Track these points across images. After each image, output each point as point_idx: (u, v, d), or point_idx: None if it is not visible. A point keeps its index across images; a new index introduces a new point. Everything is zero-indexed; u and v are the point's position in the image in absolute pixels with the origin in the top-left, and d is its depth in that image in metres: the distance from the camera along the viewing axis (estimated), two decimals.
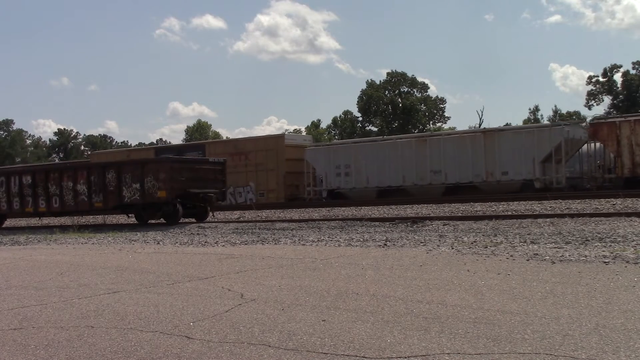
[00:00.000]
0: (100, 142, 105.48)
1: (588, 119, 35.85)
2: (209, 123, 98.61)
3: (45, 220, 22.55)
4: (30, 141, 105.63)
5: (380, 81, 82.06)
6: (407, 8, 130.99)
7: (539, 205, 17.42)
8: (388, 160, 25.99)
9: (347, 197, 26.89)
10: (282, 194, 28.90)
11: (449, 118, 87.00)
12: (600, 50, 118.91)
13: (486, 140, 24.11)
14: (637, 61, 71.37)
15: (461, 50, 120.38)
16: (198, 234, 13.98)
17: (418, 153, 25.36)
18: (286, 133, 35.90)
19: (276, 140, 30.38)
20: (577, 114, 76.18)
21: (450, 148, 24.78)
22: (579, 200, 18.03)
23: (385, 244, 9.47)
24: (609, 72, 72.97)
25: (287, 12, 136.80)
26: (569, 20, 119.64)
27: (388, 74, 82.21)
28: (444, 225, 12.83)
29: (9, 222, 23.20)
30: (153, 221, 18.59)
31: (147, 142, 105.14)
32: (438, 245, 8.94)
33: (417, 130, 72.77)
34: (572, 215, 13.18)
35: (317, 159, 28.11)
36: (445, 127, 75.79)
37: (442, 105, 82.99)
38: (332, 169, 27.39)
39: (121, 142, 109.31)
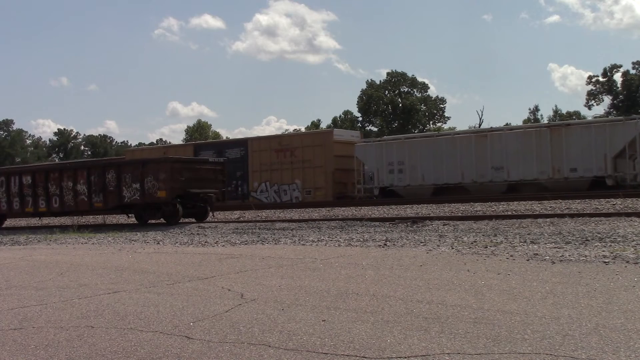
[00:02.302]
0: (100, 142, 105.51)
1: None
2: (209, 123, 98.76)
3: (45, 220, 22.56)
4: (30, 141, 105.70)
5: (380, 81, 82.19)
6: (407, 8, 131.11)
7: (539, 205, 17.42)
8: (445, 156, 24.81)
9: (401, 195, 25.70)
10: (330, 192, 27.82)
11: (449, 118, 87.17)
12: (599, 50, 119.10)
13: (552, 135, 22.99)
14: (637, 61, 71.40)
15: (460, 51, 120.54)
16: (198, 234, 13.98)
17: (478, 149, 24.22)
18: (334, 129, 34.31)
19: (324, 136, 29.55)
20: (577, 114, 76.23)
21: (513, 143, 23.60)
22: (579, 200, 18.03)
23: (385, 244, 9.46)
24: (609, 72, 72.97)
25: (286, 11, 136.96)
26: (567, 21, 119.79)
27: (388, 74, 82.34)
28: (444, 225, 12.83)
29: (9, 222, 23.20)
30: (153, 221, 18.59)
31: (147, 142, 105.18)
32: (438, 245, 8.94)
33: (417, 130, 72.75)
34: (572, 215, 13.18)
35: (367, 156, 26.95)
36: (445, 127, 75.85)
37: (442, 105, 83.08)
38: (385, 165, 26.25)
39: (121, 142, 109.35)
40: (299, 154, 28.61)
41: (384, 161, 26.33)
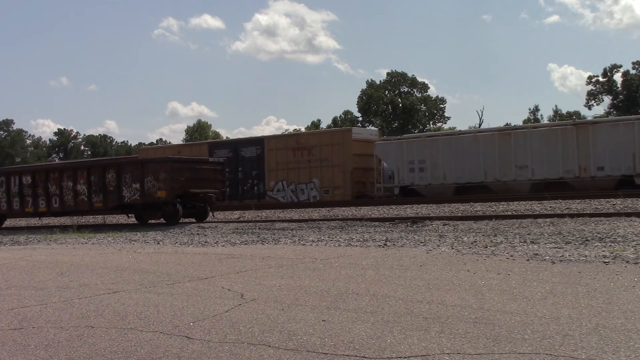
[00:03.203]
0: (100, 142, 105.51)
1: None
2: (208, 123, 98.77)
3: (45, 220, 22.55)
4: (30, 141, 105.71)
5: (380, 81, 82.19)
6: (406, 8, 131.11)
7: (539, 205, 17.42)
8: (468, 155, 24.40)
9: (422, 195, 25.22)
10: (349, 192, 27.26)
11: (449, 118, 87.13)
12: (598, 50, 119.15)
13: (579, 133, 22.49)
14: (637, 61, 71.39)
15: (460, 51, 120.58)
16: (198, 234, 13.97)
17: (501, 147, 23.79)
18: (353, 127, 32.99)
19: (343, 134, 28.86)
20: (577, 114, 76.24)
21: (538, 142, 23.14)
22: (579, 200, 18.03)
23: (385, 244, 9.46)
24: (609, 72, 72.97)
25: (286, 11, 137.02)
26: (567, 21, 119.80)
27: (388, 74, 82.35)
28: (444, 225, 12.83)
29: (9, 222, 23.20)
30: (153, 221, 18.58)
31: (147, 142, 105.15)
32: (438, 245, 8.94)
33: (417, 130, 72.72)
34: (572, 215, 13.18)
35: (387, 154, 26.59)
36: (445, 127, 75.84)
37: (442, 105, 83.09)
38: (405, 164, 25.79)
39: (121, 142, 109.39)
40: (317, 153, 28.08)
41: (405, 160, 25.82)
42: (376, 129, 40.42)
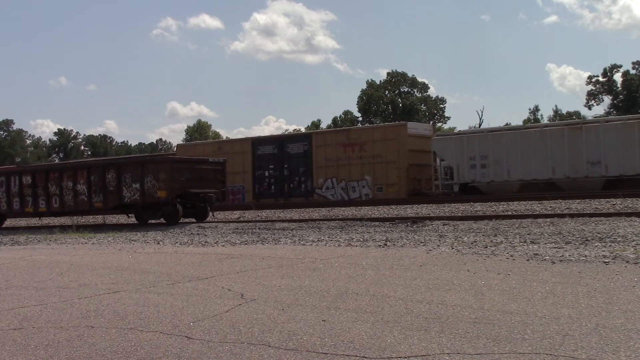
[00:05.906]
0: (100, 142, 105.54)
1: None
2: (208, 123, 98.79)
3: (45, 220, 22.54)
4: (30, 141, 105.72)
5: (380, 81, 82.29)
6: (406, 8, 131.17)
7: (539, 205, 17.42)
8: (534, 150, 23.32)
9: (483, 192, 24.27)
10: (404, 189, 26.30)
11: (449, 118, 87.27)
12: (597, 50, 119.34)
13: None
14: (637, 61, 71.46)
15: (460, 51, 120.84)
16: (198, 234, 13.97)
17: (571, 142, 22.75)
18: (407, 122, 31.93)
19: (397, 129, 27.79)
20: (577, 114, 76.28)
21: (612, 136, 22.04)
22: (579, 200, 18.03)
23: (385, 244, 9.46)
24: (608, 72, 72.99)
25: (284, 11, 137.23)
26: (566, 21, 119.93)
27: (388, 73, 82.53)
28: (444, 225, 12.83)
29: (9, 222, 23.20)
30: (153, 221, 18.58)
31: (146, 142, 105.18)
32: (438, 245, 8.93)
33: None
34: (572, 215, 13.18)
35: (445, 150, 25.72)
36: (445, 127, 75.89)
37: (442, 105, 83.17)
38: (465, 160, 24.77)
39: (121, 142, 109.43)
40: (369, 149, 27.11)
41: (465, 156, 24.85)
42: (429, 124, 39.04)
